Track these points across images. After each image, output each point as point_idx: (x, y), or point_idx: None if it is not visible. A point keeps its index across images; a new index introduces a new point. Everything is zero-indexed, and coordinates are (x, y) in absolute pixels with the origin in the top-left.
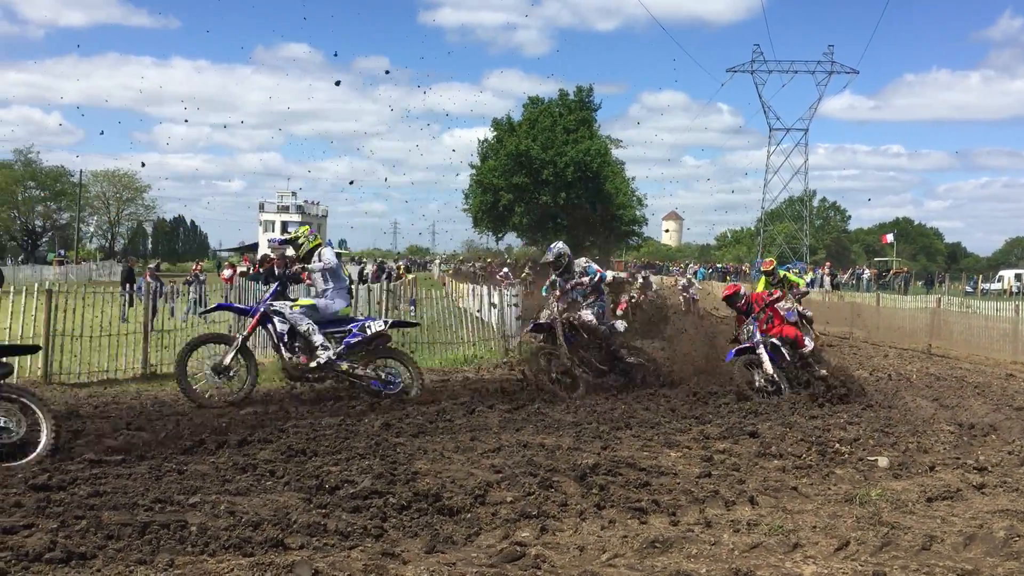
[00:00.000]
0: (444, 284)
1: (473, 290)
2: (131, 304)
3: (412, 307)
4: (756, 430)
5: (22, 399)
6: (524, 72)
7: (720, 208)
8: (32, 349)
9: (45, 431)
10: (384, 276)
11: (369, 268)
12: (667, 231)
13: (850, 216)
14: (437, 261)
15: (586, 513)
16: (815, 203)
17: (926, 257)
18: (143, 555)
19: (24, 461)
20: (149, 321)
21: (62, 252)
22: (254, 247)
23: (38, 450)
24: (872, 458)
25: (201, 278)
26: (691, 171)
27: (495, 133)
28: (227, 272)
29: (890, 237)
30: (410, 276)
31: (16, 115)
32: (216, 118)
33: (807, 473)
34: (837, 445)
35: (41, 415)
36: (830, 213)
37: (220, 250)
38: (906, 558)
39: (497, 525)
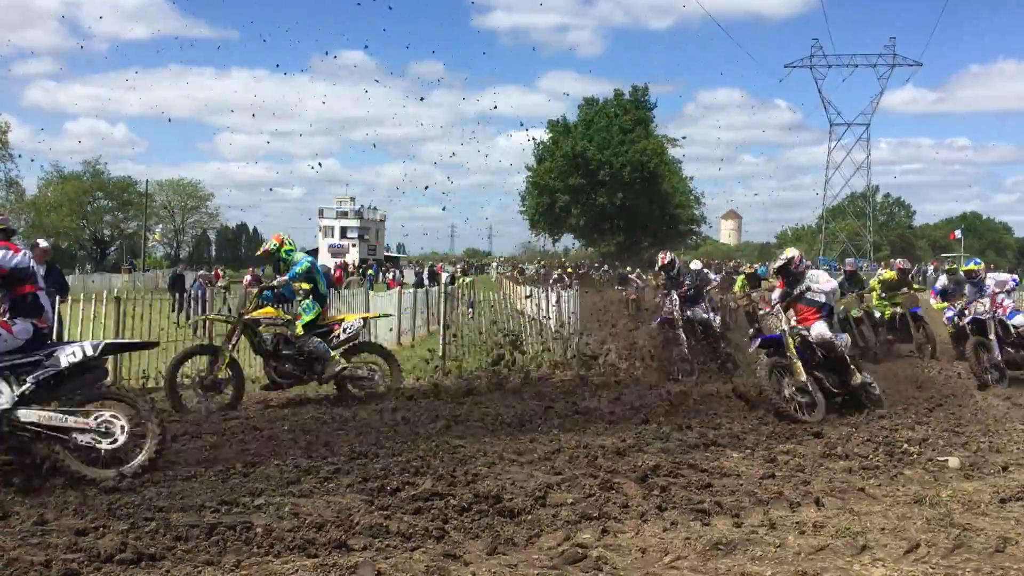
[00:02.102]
0: (501, 286)
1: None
2: (181, 309)
3: (470, 309)
4: (820, 430)
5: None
6: (578, 73)
7: (780, 206)
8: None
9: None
10: (444, 279)
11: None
12: (725, 230)
13: (915, 211)
14: (494, 264)
15: (648, 515)
16: (878, 199)
17: (995, 252)
18: (210, 556)
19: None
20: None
21: (131, 261)
22: (314, 252)
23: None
24: (942, 458)
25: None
26: (749, 169)
27: (551, 135)
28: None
29: (958, 233)
30: (467, 279)
31: (83, 127)
32: (275, 126)
33: (874, 474)
34: (905, 445)
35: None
36: (894, 209)
37: None
38: (979, 560)
39: (558, 527)
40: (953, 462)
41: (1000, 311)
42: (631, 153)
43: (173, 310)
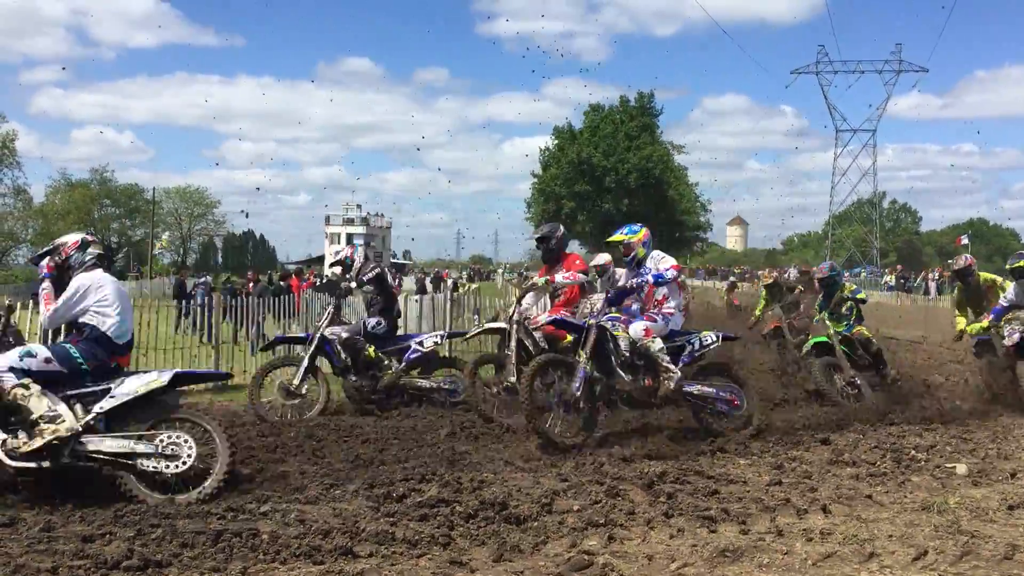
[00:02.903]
0: (506, 293)
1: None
2: (187, 315)
3: (476, 316)
4: (827, 437)
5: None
6: (584, 79)
7: (786, 212)
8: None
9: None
10: (447, 286)
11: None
12: (732, 236)
13: (921, 218)
14: (500, 270)
15: (654, 521)
16: (885, 205)
17: (1002, 258)
18: (217, 563)
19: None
20: (209, 335)
21: (138, 267)
22: (320, 259)
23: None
24: (950, 465)
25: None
26: (755, 175)
27: (556, 141)
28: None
29: (964, 239)
30: (473, 285)
31: (90, 135)
32: (281, 133)
33: (882, 481)
34: (913, 452)
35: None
36: (901, 215)
37: (288, 263)
38: (987, 568)
39: (564, 534)
40: (961, 469)
41: None
42: (637, 159)
43: (180, 318)
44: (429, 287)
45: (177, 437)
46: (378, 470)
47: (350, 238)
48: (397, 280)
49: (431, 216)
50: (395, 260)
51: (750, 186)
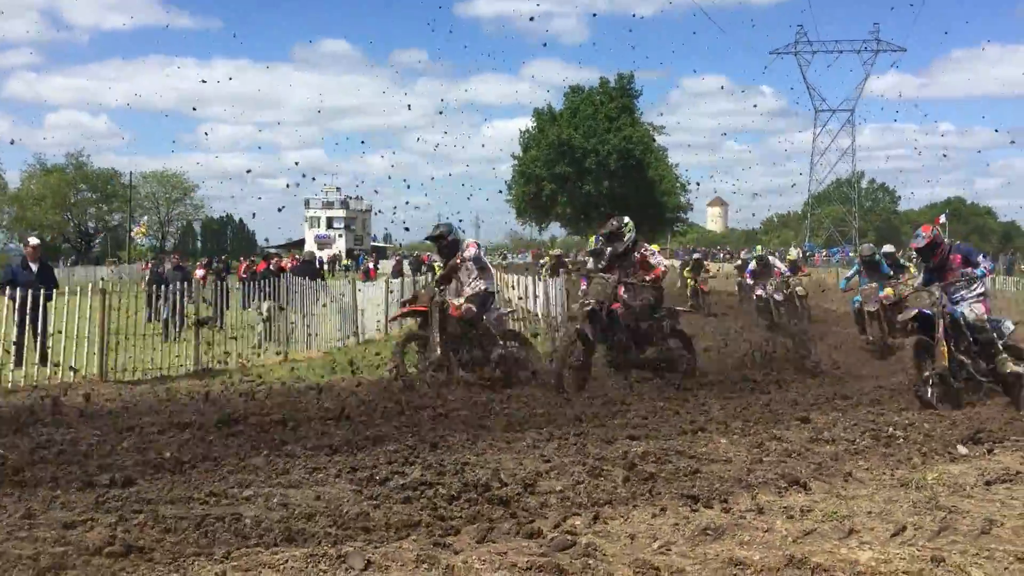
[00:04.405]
0: None
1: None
2: (160, 299)
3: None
4: (807, 415)
5: None
6: (564, 61)
7: (766, 192)
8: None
9: None
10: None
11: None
12: (712, 217)
13: (900, 197)
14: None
15: (637, 501)
16: (863, 185)
17: (980, 237)
18: (200, 548)
19: None
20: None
21: (116, 254)
22: (300, 243)
23: None
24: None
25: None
26: (735, 156)
27: (536, 123)
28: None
29: (943, 218)
30: None
31: (65, 119)
32: (259, 117)
33: (861, 458)
34: (891, 429)
35: None
36: (879, 195)
37: (268, 247)
38: (965, 543)
39: (547, 514)
40: (962, 449)
41: None
42: (617, 141)
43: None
44: (408, 270)
45: None
46: (361, 453)
47: (330, 222)
48: (371, 263)
49: (412, 199)
50: (375, 243)
51: (729, 167)
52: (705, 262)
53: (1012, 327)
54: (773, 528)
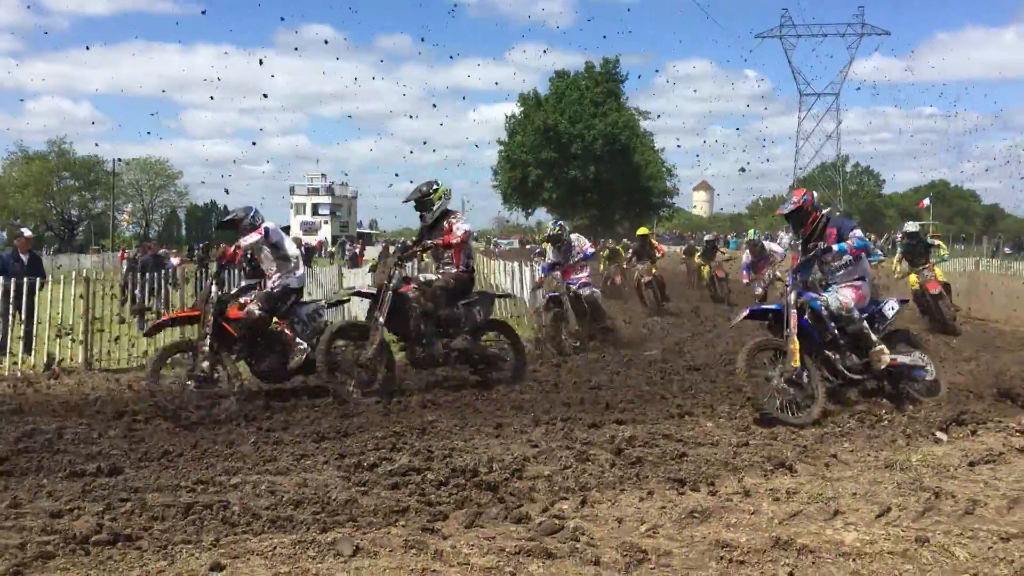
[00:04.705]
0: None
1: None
2: (134, 287)
3: None
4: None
5: None
6: (549, 45)
7: (751, 176)
8: (507, 295)
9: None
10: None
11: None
12: (697, 202)
13: (884, 181)
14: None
15: (624, 485)
16: (848, 169)
17: (963, 220)
18: (188, 535)
19: None
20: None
21: (99, 241)
22: (286, 230)
23: None
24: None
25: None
26: (721, 139)
27: (522, 108)
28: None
29: (926, 201)
30: None
31: (46, 106)
32: (243, 103)
33: (846, 440)
34: (883, 412)
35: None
36: (864, 178)
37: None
38: (948, 523)
39: (535, 499)
40: (943, 436)
41: None
42: (603, 126)
43: (126, 292)
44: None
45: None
46: (349, 440)
47: (316, 208)
48: (362, 249)
49: (397, 185)
50: (361, 230)
51: (715, 151)
52: (719, 245)
53: (896, 308)
54: (759, 510)
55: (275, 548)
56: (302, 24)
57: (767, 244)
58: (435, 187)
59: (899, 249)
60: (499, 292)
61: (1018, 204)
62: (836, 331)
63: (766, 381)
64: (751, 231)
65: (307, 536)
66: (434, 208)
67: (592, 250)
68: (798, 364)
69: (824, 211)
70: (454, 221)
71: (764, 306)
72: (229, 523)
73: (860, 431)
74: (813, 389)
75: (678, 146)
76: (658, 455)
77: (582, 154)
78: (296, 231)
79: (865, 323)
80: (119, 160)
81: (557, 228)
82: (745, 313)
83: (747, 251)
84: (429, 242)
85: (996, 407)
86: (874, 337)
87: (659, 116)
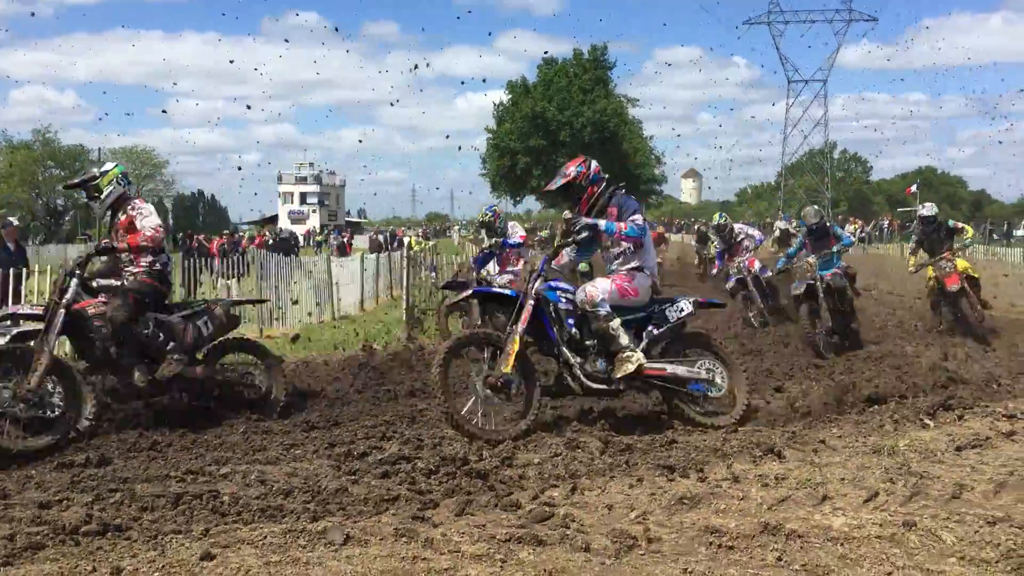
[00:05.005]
0: (463, 249)
1: None
2: None
3: (433, 273)
4: (781, 385)
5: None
6: (536, 32)
7: (739, 163)
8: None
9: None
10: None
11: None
12: (685, 189)
13: (872, 167)
14: (456, 227)
15: (613, 472)
16: (836, 155)
17: (950, 206)
18: (177, 525)
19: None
20: None
21: (87, 233)
22: (274, 219)
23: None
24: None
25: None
26: (709, 127)
27: (510, 96)
28: None
29: (914, 188)
30: (429, 243)
31: (31, 95)
32: (229, 91)
33: (835, 425)
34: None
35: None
36: (851, 165)
37: (241, 223)
38: (936, 507)
39: (525, 487)
40: (930, 423)
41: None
42: (591, 113)
43: None
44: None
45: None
46: (338, 429)
47: (304, 197)
48: (344, 239)
49: (385, 173)
50: (349, 219)
51: (704, 138)
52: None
53: (687, 310)
54: (748, 496)
55: (265, 537)
56: (288, 11)
57: (738, 227)
58: (106, 168)
59: (913, 238)
60: (242, 298)
61: (1000, 192)
62: (576, 329)
63: (471, 387)
64: (716, 215)
65: (297, 525)
66: (103, 196)
67: (521, 240)
68: (510, 369)
69: (607, 187)
70: (134, 213)
71: (495, 289)
72: (219, 513)
73: (848, 416)
74: (529, 400)
75: (677, 135)
76: (647, 442)
77: (570, 141)
78: (284, 220)
79: (616, 322)
80: (108, 151)
81: (490, 214)
82: (468, 292)
83: (717, 238)
84: (106, 243)
85: (983, 392)
86: (624, 340)
87: (651, 106)
